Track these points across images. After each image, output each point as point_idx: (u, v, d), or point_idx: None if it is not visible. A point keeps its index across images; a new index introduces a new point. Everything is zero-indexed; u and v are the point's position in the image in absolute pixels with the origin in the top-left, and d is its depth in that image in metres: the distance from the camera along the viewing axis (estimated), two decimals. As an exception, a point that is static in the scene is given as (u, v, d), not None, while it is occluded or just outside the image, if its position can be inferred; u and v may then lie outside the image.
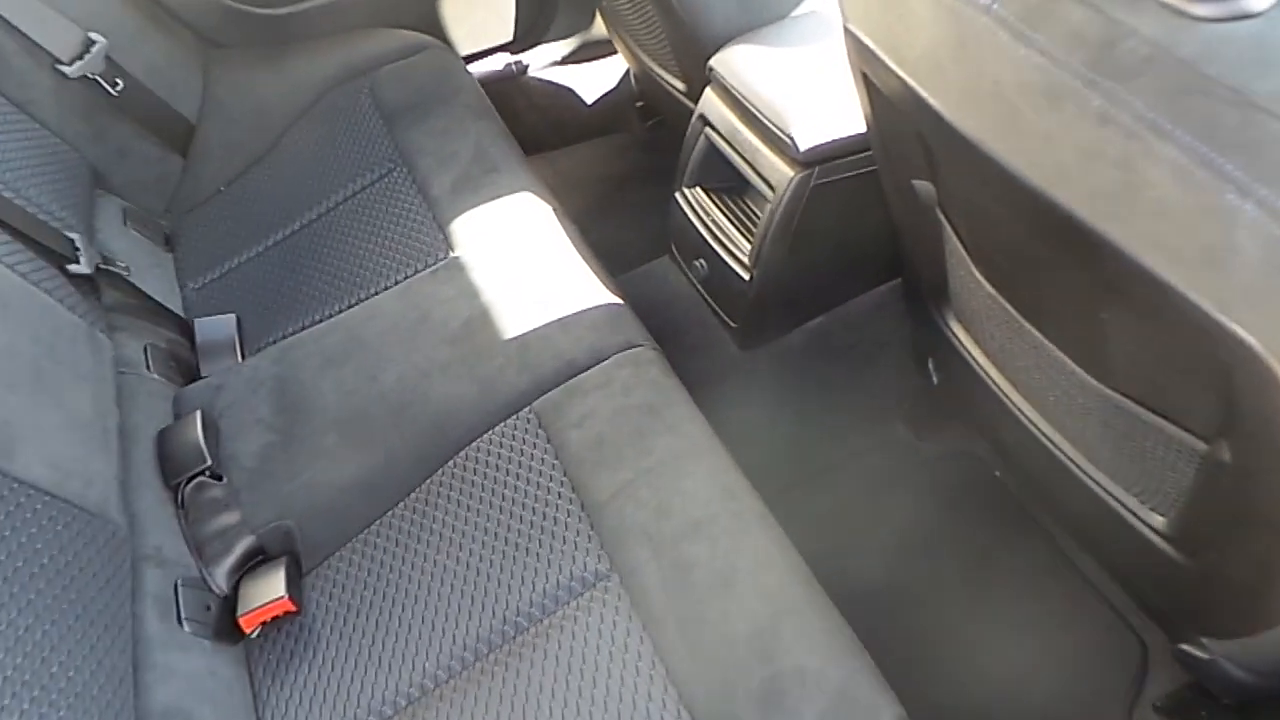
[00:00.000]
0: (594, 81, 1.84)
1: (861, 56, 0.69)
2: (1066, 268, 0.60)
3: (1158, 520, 0.79)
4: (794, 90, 0.99)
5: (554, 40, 1.84)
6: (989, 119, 0.53)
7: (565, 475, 0.90)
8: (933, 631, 1.13)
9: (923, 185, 0.83)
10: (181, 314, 1.20)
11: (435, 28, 1.63)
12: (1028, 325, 0.75)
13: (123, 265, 1.13)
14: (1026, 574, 1.16)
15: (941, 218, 0.84)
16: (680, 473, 0.87)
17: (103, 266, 1.08)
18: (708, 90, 1.09)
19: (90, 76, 1.23)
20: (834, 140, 0.95)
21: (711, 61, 1.07)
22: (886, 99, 0.73)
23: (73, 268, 1.03)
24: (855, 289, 1.16)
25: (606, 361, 0.98)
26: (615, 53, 1.81)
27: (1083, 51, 0.44)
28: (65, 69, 1.20)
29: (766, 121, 0.98)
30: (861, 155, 0.97)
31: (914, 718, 0.71)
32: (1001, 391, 0.93)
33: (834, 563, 1.18)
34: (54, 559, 0.74)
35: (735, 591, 0.78)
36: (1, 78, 1.16)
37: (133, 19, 1.34)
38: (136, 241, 1.25)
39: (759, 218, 1.06)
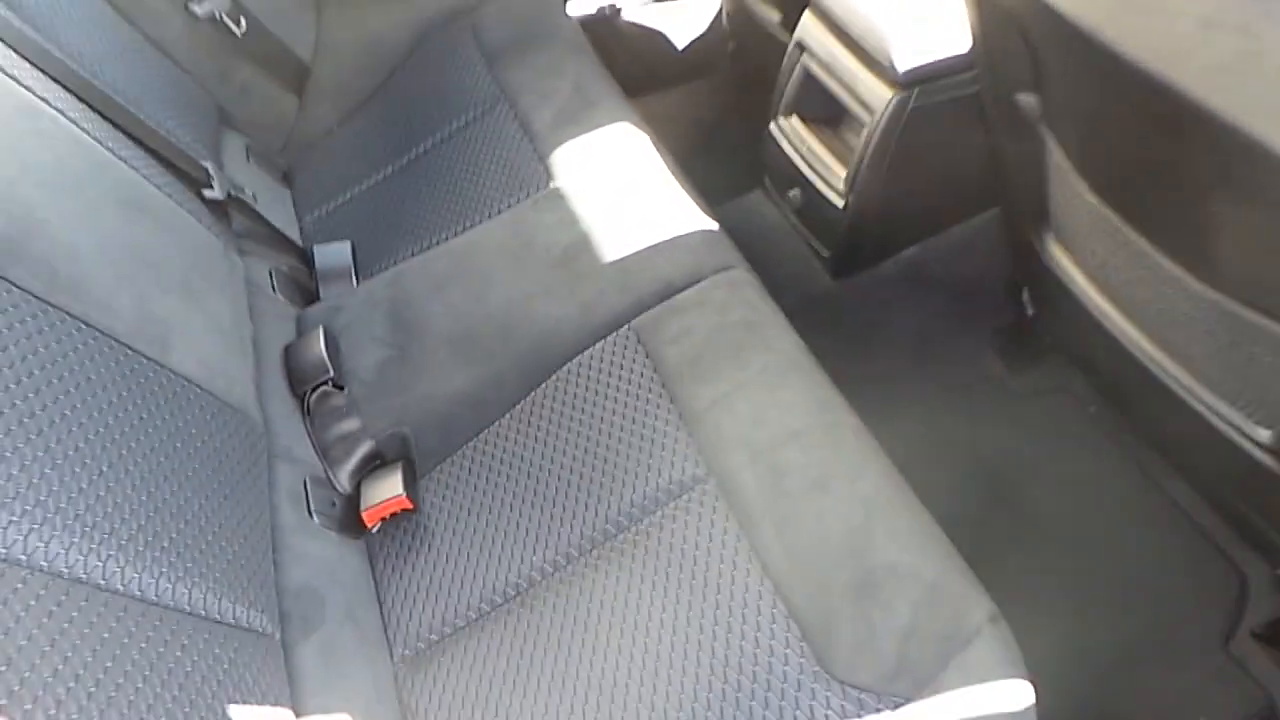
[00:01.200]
0: (687, 22, 1.85)
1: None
2: (1179, 160, 0.60)
3: (1263, 434, 0.78)
4: (894, 12, 0.99)
5: (651, -19, 1.84)
6: (1143, 32, 0.53)
7: (663, 388, 0.94)
8: (1025, 565, 1.13)
9: (1027, 99, 0.83)
10: (300, 243, 1.28)
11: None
12: (1133, 234, 0.75)
13: (250, 195, 1.20)
14: (1120, 508, 1.15)
15: (1045, 132, 0.84)
16: (776, 385, 0.89)
17: (232, 194, 1.16)
18: (805, 15, 1.09)
19: (217, 17, 1.30)
20: (933, 61, 0.95)
21: (812, -12, 1.07)
22: (995, 5, 0.73)
23: (207, 193, 1.11)
24: (951, 219, 1.16)
25: (703, 282, 1.01)
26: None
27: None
28: (195, 8, 1.28)
29: (865, 44, 0.99)
30: (961, 77, 0.96)
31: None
32: (1100, 312, 0.93)
33: (921, 495, 1.20)
34: (205, 443, 0.82)
35: (829, 494, 0.81)
36: (138, 16, 1.24)
37: (253, -35, 1.41)
38: (258, 176, 1.33)
39: (855, 145, 1.06)
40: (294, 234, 1.29)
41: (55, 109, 0.90)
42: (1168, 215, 0.68)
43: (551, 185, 1.17)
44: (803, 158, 1.13)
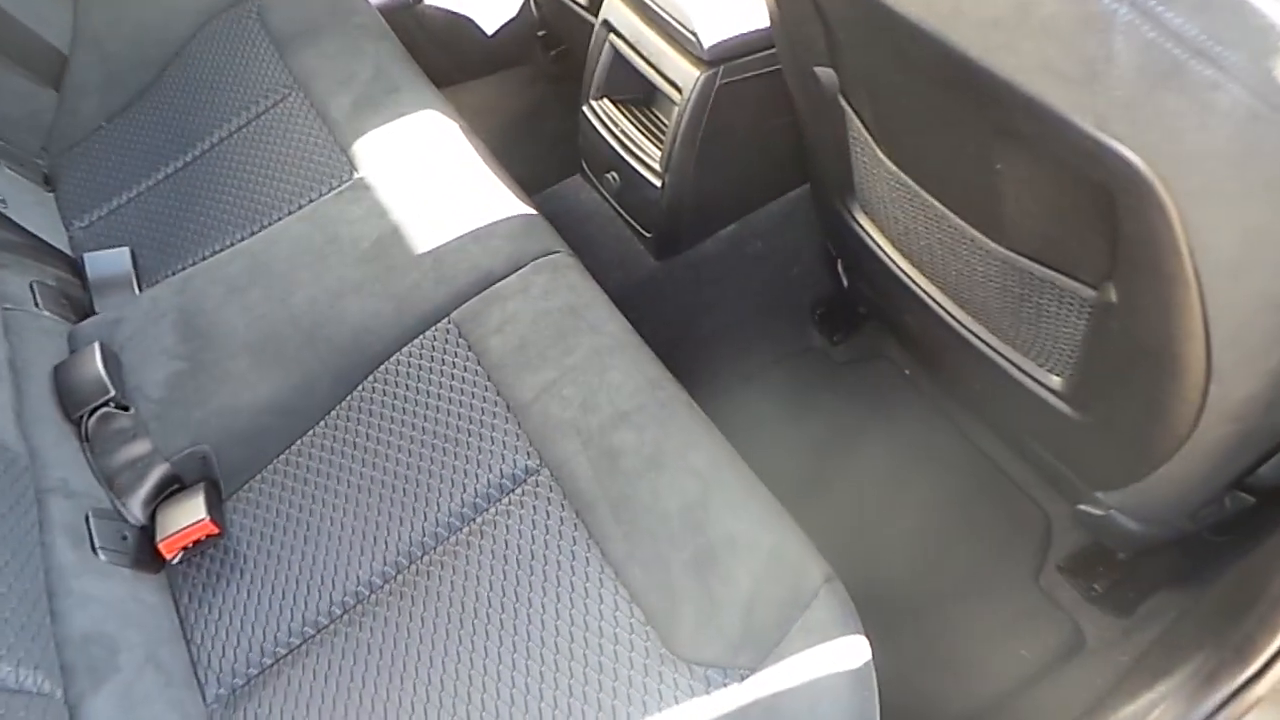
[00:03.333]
0: (494, 9, 1.80)
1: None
2: (963, 121, 0.62)
3: (1054, 381, 0.84)
4: (699, -10, 0.99)
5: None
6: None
7: (489, 380, 0.90)
8: (852, 522, 1.18)
9: (825, 72, 0.85)
10: (69, 252, 1.14)
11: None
12: (929, 198, 0.78)
13: (3, 202, 1.06)
14: (936, 461, 1.22)
15: (844, 104, 0.86)
16: (604, 368, 0.88)
17: (-24, 201, 1.01)
18: (610, -4, 1.08)
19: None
20: (739, 36, 0.96)
21: (610, -34, 1.06)
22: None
23: (-57, 202, 0.96)
24: (767, 195, 1.18)
25: (524, 268, 0.97)
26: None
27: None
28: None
29: (671, 21, 0.98)
30: (768, 52, 0.98)
31: (851, 588, 0.74)
32: (906, 276, 0.97)
33: (753, 465, 1.22)
34: (-50, 484, 0.71)
35: (664, 472, 0.80)
36: None
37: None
38: (13, 180, 1.18)
39: (668, 124, 1.06)
40: (61, 242, 1.14)
41: None
42: (957, 177, 0.71)
43: (355, 176, 1.10)
44: (617, 140, 1.12)
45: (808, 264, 1.28)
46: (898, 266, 0.97)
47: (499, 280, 0.97)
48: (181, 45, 1.33)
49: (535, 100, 1.76)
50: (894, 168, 0.83)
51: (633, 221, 1.17)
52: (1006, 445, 1.15)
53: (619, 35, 1.08)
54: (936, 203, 0.78)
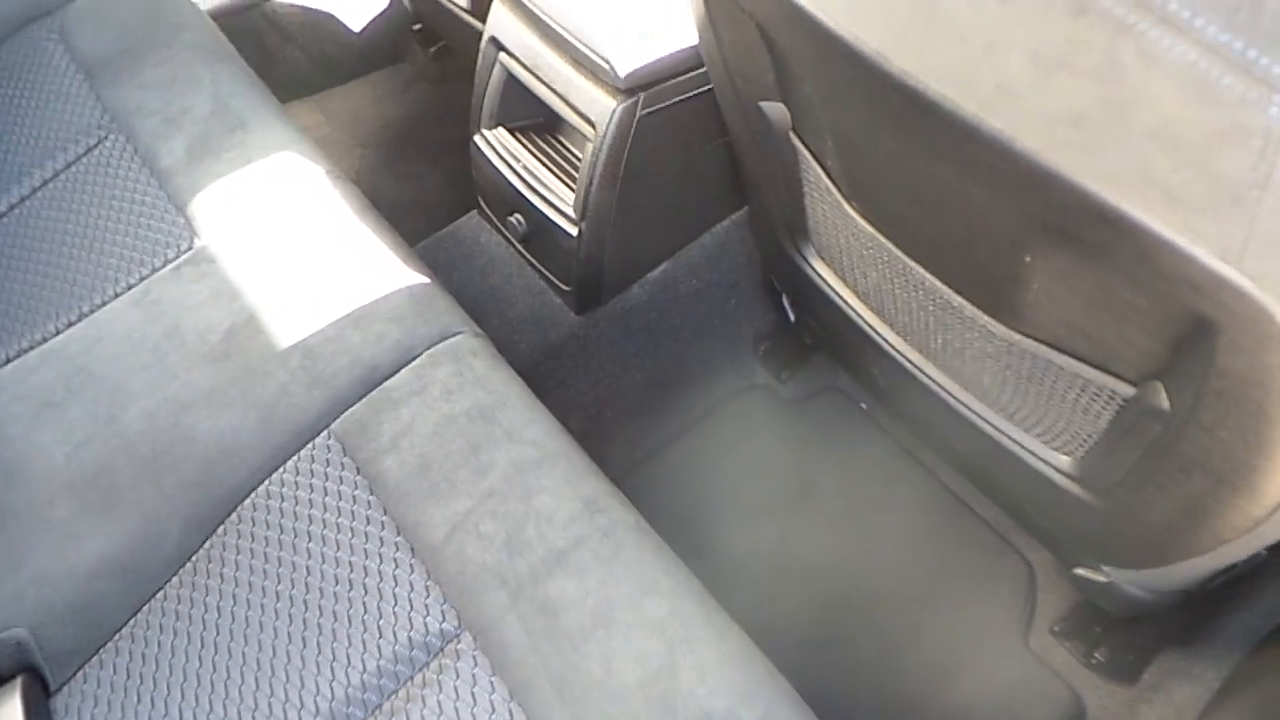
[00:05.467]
0: (359, 4, 1.57)
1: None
2: (982, 204, 0.47)
3: (1062, 460, 0.72)
4: (608, 8, 0.81)
5: (302, -43, 1.54)
6: (888, 20, 0.39)
7: (386, 514, 0.72)
8: (814, 585, 1.05)
9: (773, 107, 0.69)
10: None
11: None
12: (912, 264, 0.64)
13: None
14: (903, 506, 1.10)
15: (798, 143, 0.71)
16: (529, 490, 0.71)
17: None
18: (496, 5, 0.89)
19: None
20: (659, 59, 0.79)
21: (496, -30, 0.87)
22: (730, 6, 0.57)
23: None
24: (700, 227, 1.02)
25: (418, 359, 0.79)
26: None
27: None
28: None
29: (576, 43, 0.80)
30: (693, 74, 0.81)
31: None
32: (874, 332, 0.83)
33: (705, 528, 1.08)
34: None
35: (616, 631, 0.64)
36: None
37: None
38: None
39: (579, 159, 0.88)
40: None
41: None
42: (963, 256, 0.57)
43: (196, 244, 0.89)
44: (519, 177, 0.94)
45: (746, 295, 1.13)
46: (864, 321, 0.83)
47: (388, 377, 0.78)
48: (-29, 77, 1.08)
49: (415, 106, 1.54)
50: (864, 224, 0.68)
51: (546, 272, 0.99)
52: (983, 494, 1.03)
53: (512, 55, 0.89)
54: (923, 271, 0.64)
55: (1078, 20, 0.31)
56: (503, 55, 0.90)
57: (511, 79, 0.91)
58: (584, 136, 0.85)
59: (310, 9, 1.53)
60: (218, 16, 1.24)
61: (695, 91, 0.82)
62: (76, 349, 0.84)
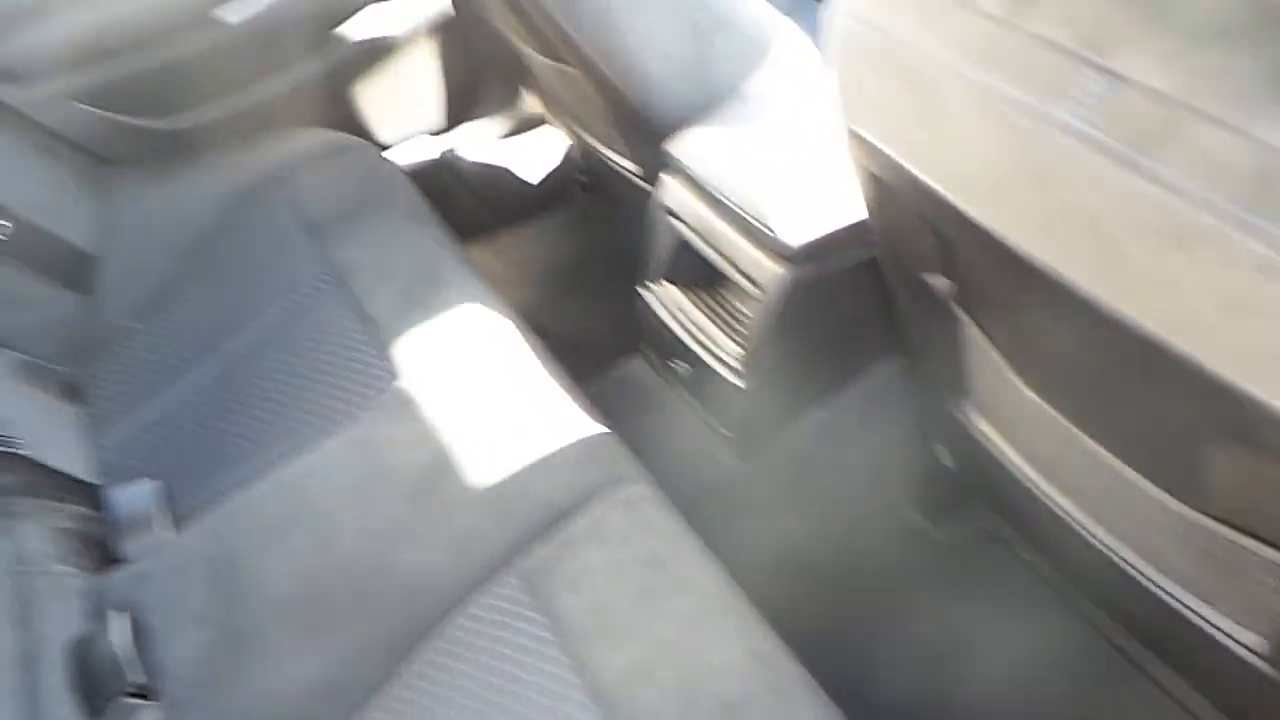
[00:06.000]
0: (531, 157, 1.73)
1: (874, 160, 0.59)
2: (1168, 406, 0.50)
3: (1252, 639, 0.69)
4: (770, 177, 0.89)
5: (483, 118, 1.73)
6: (1079, 255, 0.43)
7: (563, 653, 0.77)
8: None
9: (937, 280, 0.73)
10: (92, 479, 1.04)
11: (354, 123, 1.51)
12: (1086, 439, 0.65)
13: (20, 439, 0.96)
14: (1068, 663, 1.05)
15: (961, 313, 0.74)
16: (702, 641, 0.74)
17: (-9, 448, 0.92)
18: (667, 178, 0.98)
19: (-33, 224, 1.07)
20: (826, 234, 0.85)
21: (668, 147, 0.96)
22: (902, 200, 0.63)
23: (-47, 458, 0.87)
24: (855, 374, 1.06)
25: (595, 504, 0.85)
26: (551, 126, 1.70)
27: (1227, 185, 0.34)
28: (-65, 217, 1.05)
29: (744, 214, 0.88)
30: (857, 243, 0.87)
31: None
32: (1039, 490, 0.83)
33: (861, 675, 1.07)
34: None
35: (788, 791, 0.66)
36: None
37: (16, 151, 1.19)
38: (33, 401, 1.09)
39: (744, 315, 0.95)
40: (84, 468, 1.05)
41: None
42: (1145, 443, 0.58)
43: (400, 387, 1.00)
44: (685, 330, 1.01)
45: (902, 439, 1.14)
46: (1028, 480, 0.83)
47: (568, 520, 0.84)
48: (213, 236, 1.26)
49: (579, 247, 1.67)
50: (1031, 394, 0.70)
51: (708, 418, 1.05)
52: (1164, 663, 0.98)
53: (683, 222, 0.97)
54: (1099, 447, 0.65)
55: (1272, 280, 0.34)
56: (674, 221, 0.99)
57: (679, 241, 0.99)
58: (750, 295, 0.92)
59: (488, 163, 1.70)
60: (413, 172, 1.41)
61: (858, 259, 0.88)
62: (297, 482, 0.95)
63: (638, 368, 1.16)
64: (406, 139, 1.60)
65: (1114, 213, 0.39)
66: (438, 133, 1.64)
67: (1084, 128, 0.38)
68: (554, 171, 1.70)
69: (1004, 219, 0.46)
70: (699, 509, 0.94)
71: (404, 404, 0.98)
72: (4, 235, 1.10)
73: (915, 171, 0.52)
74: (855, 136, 0.59)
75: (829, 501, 1.12)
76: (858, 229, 0.85)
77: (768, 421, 1.02)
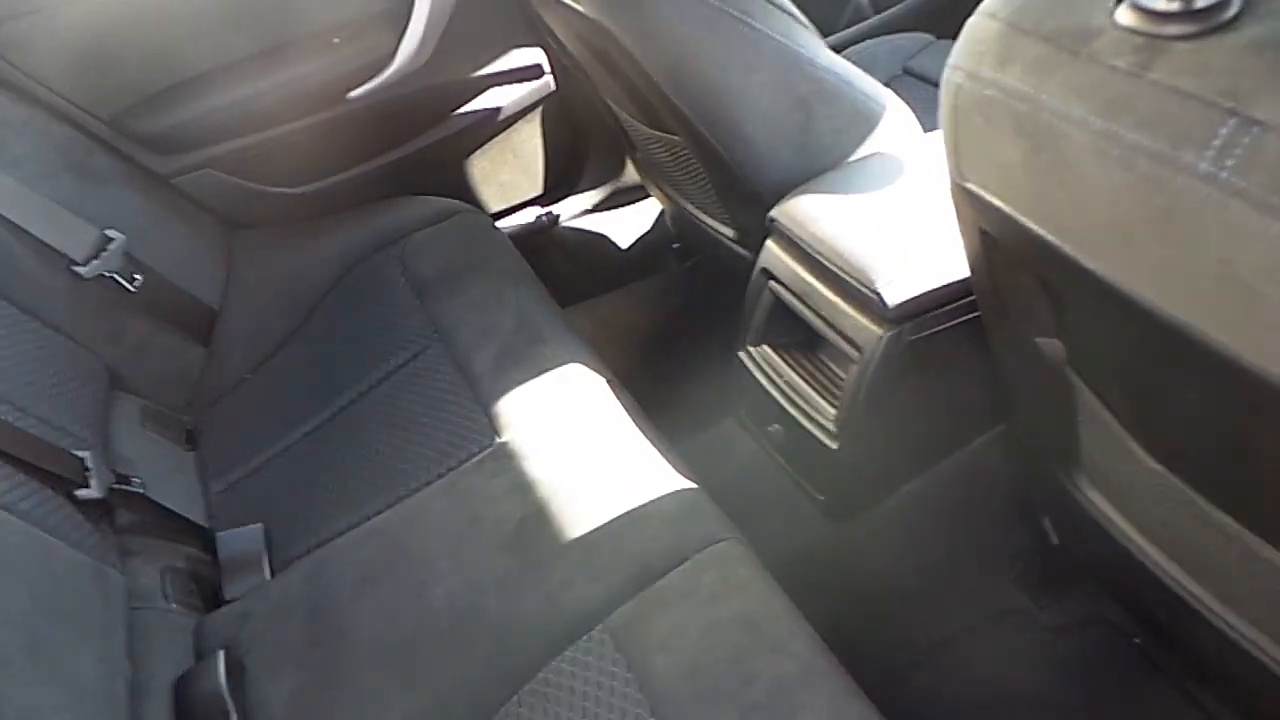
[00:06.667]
0: (627, 225, 1.78)
1: (985, 216, 0.59)
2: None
3: None
4: (872, 240, 0.89)
5: (583, 186, 1.79)
6: (1214, 306, 0.41)
7: (652, 714, 0.75)
8: None
9: (1048, 343, 0.71)
10: (204, 522, 1.08)
11: (462, 190, 1.59)
12: (1222, 515, 0.61)
13: (139, 481, 1.02)
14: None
15: (1074, 377, 0.72)
16: (794, 707, 0.72)
17: (116, 487, 0.97)
18: (770, 244, 0.99)
19: (107, 274, 1.16)
20: (926, 292, 0.84)
21: (773, 214, 0.97)
22: (1013, 257, 0.62)
23: (81, 493, 0.92)
24: (955, 443, 1.03)
25: (687, 562, 0.84)
26: (647, 196, 1.75)
27: (1379, 230, 0.33)
28: (80, 269, 1.13)
29: (846, 277, 0.88)
30: (959, 304, 0.85)
31: None
32: (1159, 567, 0.78)
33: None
34: None
35: None
36: (10, 284, 1.09)
37: (151, 210, 1.29)
38: (155, 444, 1.15)
39: (841, 378, 0.94)
40: (197, 511, 1.10)
41: None
42: (1275, 508, 0.55)
43: (498, 441, 1.02)
44: (781, 392, 1.00)
45: (1002, 512, 1.10)
46: (1145, 556, 0.79)
47: (659, 578, 0.84)
48: (327, 292, 1.33)
49: (673, 312, 1.69)
50: (1152, 461, 0.67)
51: (803, 481, 1.03)
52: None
53: (782, 284, 0.98)
54: (1232, 521, 0.61)
55: None
56: (772, 283, 0.99)
57: (779, 304, 1.00)
58: (847, 358, 0.91)
59: (587, 230, 1.76)
60: (516, 237, 1.46)
61: (960, 319, 0.86)
62: (395, 529, 0.97)
63: (731, 429, 1.16)
64: (511, 206, 1.66)
65: (1256, 262, 0.37)
66: (540, 200, 1.70)
67: (1225, 175, 0.37)
68: (648, 237, 1.74)
69: (1130, 271, 0.45)
70: (791, 572, 0.92)
71: (501, 458, 1.00)
72: (135, 288, 1.18)
73: (1031, 225, 0.52)
74: (964, 192, 0.59)
75: (925, 574, 1.08)
76: (959, 289, 0.84)
77: (862, 486, 0.99)
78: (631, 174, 1.74)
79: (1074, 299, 0.61)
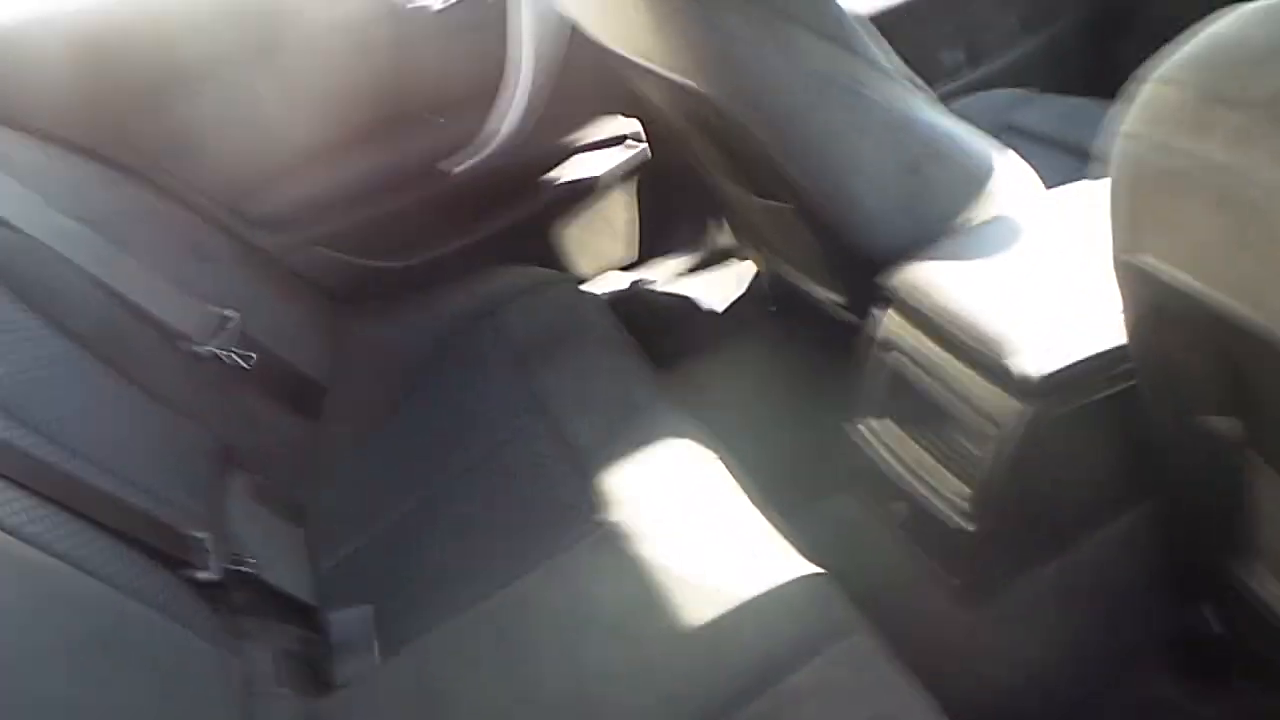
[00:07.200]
0: (718, 287, 1.76)
1: (1157, 289, 0.54)
2: None
3: None
4: (1005, 309, 0.84)
5: (673, 251, 1.78)
6: None
7: (793, 827, 0.69)
8: None
9: (1222, 422, 0.65)
10: (313, 601, 1.08)
11: (554, 258, 1.59)
12: None
13: (254, 561, 1.02)
14: None
15: (1253, 457, 0.65)
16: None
17: (230, 568, 0.97)
18: (889, 314, 0.95)
19: (223, 352, 1.18)
20: (1071, 365, 0.78)
21: (892, 283, 0.93)
22: (1190, 332, 0.57)
23: (200, 575, 0.92)
24: (1098, 520, 0.96)
25: (817, 658, 0.79)
26: (738, 258, 1.73)
27: None
28: (198, 348, 1.16)
29: (979, 348, 0.83)
30: (1107, 376, 0.79)
31: None
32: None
33: None
34: None
35: None
36: (131, 362, 1.11)
37: (263, 288, 1.32)
38: (265, 521, 1.16)
39: (974, 454, 0.88)
40: (305, 590, 1.09)
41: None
42: None
43: (604, 519, 0.99)
44: (906, 468, 0.95)
45: (1153, 595, 1.01)
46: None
47: (788, 674, 0.78)
48: (428, 363, 1.34)
49: (771, 377, 1.64)
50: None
51: (930, 561, 0.97)
52: None
53: (903, 355, 0.93)
54: None
55: None
56: (892, 354, 0.95)
57: (899, 376, 0.95)
58: (982, 433, 0.85)
59: (681, 295, 1.74)
60: (609, 303, 1.45)
61: (1111, 390, 0.80)
62: (500, 614, 0.94)
63: (845, 505, 1.10)
64: (602, 272, 1.66)
65: None
66: (630, 266, 1.70)
67: None
68: (741, 301, 1.71)
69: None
70: (922, 660, 0.85)
71: (607, 537, 0.97)
72: (248, 365, 1.20)
73: (1227, 301, 0.47)
74: (1133, 266, 0.55)
75: (1067, 662, 1.00)
76: (1108, 359, 0.78)
77: (998, 569, 0.93)
78: (721, 237, 1.73)
79: (1264, 377, 0.55)
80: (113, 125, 1.24)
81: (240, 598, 0.99)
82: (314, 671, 0.99)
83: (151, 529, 0.91)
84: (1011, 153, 1.03)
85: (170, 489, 1.01)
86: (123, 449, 0.98)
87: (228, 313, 1.19)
